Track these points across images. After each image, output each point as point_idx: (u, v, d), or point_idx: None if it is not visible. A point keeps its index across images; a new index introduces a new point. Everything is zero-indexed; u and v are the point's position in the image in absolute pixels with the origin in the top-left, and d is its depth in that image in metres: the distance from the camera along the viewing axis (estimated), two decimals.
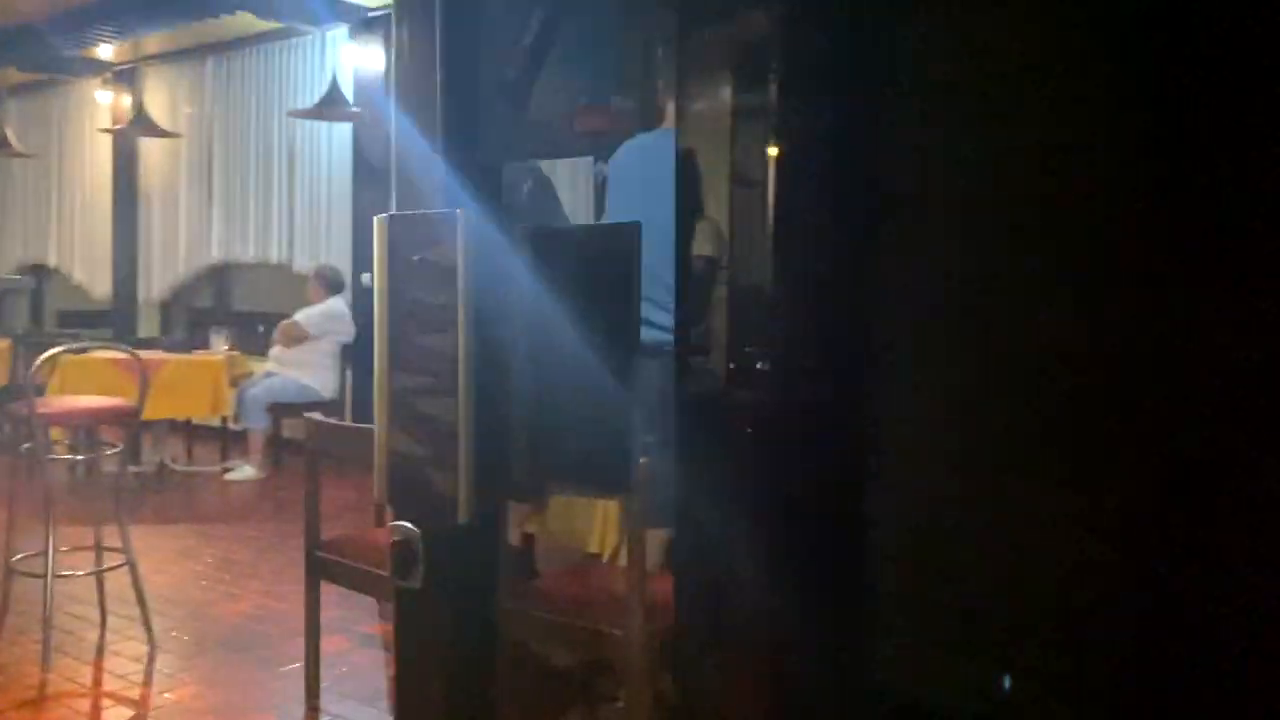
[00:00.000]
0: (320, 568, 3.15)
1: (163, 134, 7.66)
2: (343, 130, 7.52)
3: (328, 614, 4.12)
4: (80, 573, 3.84)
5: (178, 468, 7.32)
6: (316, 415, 3.18)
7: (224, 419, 7.46)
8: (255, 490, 6.78)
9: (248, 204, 8.28)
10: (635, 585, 2.46)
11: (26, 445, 3.59)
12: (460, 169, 0.81)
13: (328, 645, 3.26)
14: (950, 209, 0.63)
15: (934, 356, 0.64)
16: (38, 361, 3.46)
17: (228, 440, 7.60)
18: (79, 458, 3.99)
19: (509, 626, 2.66)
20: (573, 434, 0.83)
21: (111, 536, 3.84)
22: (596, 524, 3.40)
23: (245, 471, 6.98)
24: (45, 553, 3.54)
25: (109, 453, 3.90)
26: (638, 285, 0.73)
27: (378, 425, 0.80)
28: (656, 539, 3.11)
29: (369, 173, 7.38)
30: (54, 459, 3.77)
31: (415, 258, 0.77)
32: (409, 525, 0.82)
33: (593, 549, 3.42)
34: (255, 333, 8.44)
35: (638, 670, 2.47)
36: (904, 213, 0.64)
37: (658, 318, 3.04)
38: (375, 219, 0.79)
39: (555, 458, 0.84)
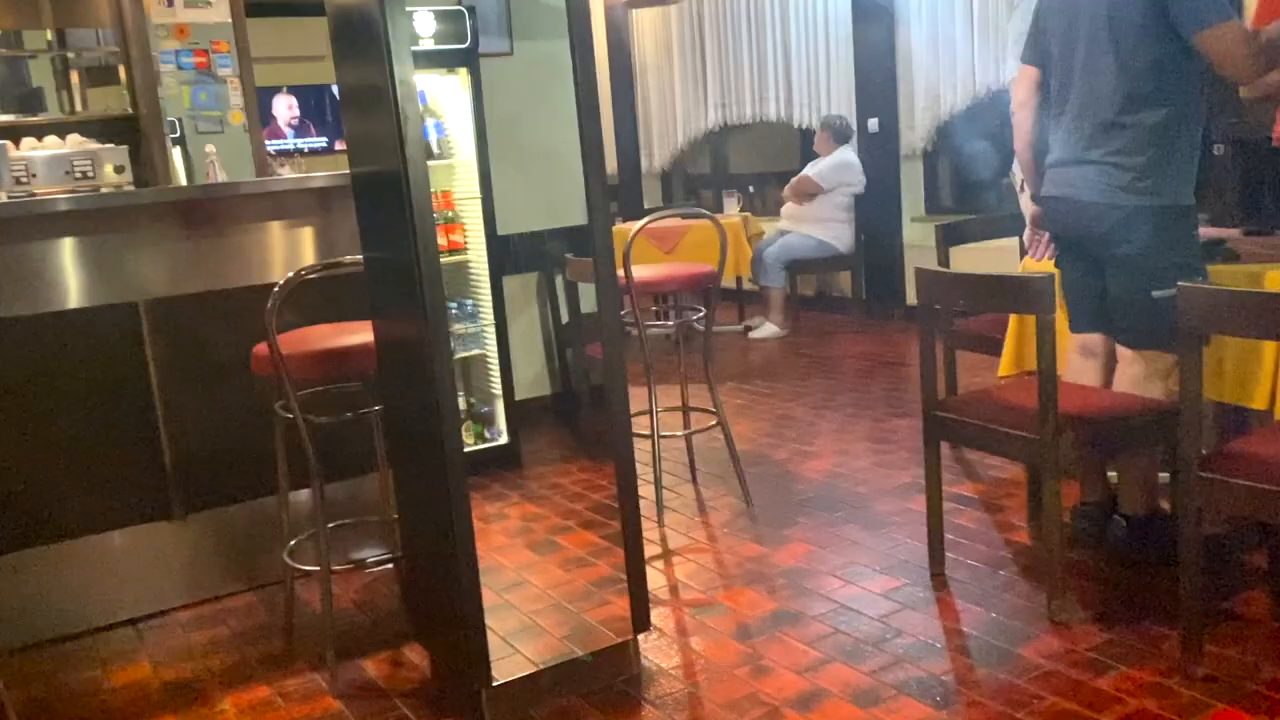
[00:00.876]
0: (940, 427, 2.95)
1: (660, 2, 7.74)
2: None
3: (907, 475, 3.99)
4: (679, 433, 3.98)
5: (702, 328, 7.58)
6: (923, 265, 2.93)
7: (738, 279, 7.60)
8: (779, 348, 6.84)
9: (741, 62, 8.19)
10: None
11: (624, 311, 3.71)
12: None
13: (922, 506, 3.05)
14: None
15: None
16: (635, 228, 3.54)
17: (743, 300, 7.77)
18: (670, 324, 4.11)
19: (1210, 495, 2.26)
20: None
21: (696, 398, 3.93)
22: (1264, 377, 2.88)
23: (768, 329, 7.07)
24: (650, 412, 3.69)
25: (695, 317, 3.99)
26: None
27: None
28: None
29: (870, 8, 6.93)
30: (650, 325, 3.93)
31: None
32: None
33: (1257, 404, 2.92)
34: (748, 194, 8.46)
35: None
36: None
37: None
38: None
39: None
